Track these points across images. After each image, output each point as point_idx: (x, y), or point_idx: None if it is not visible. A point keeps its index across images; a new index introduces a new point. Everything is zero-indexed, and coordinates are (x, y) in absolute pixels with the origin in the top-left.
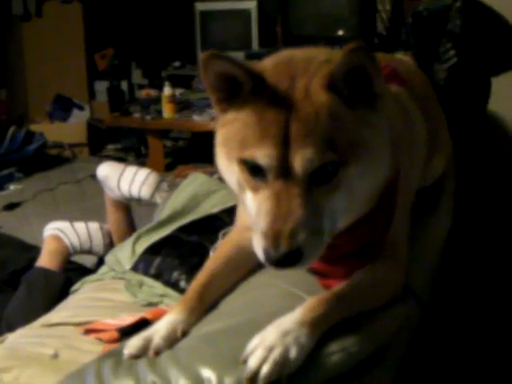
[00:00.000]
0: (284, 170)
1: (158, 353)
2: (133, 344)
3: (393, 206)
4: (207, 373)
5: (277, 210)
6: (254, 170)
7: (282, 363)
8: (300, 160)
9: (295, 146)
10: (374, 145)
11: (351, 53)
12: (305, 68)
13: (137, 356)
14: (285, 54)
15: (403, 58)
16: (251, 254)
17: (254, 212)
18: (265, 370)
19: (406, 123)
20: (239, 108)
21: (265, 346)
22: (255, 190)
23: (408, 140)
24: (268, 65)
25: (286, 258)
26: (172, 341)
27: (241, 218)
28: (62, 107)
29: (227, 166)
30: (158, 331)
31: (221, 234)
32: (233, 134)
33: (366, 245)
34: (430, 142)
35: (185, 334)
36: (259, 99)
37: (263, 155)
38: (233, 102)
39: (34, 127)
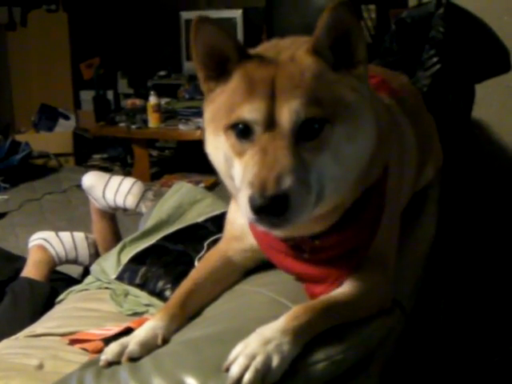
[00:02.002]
0: (271, 124)
1: (132, 358)
2: (109, 350)
3: (381, 207)
4: (190, 380)
5: (263, 161)
6: (241, 133)
7: (264, 371)
8: (286, 112)
9: (281, 99)
10: (359, 108)
11: (335, 8)
12: (290, 45)
13: (113, 362)
14: (271, 40)
15: (399, 74)
16: (237, 265)
17: (241, 175)
18: (246, 377)
19: (396, 134)
20: (226, 82)
21: (246, 354)
22: (242, 154)
23: (398, 151)
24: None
25: (272, 203)
26: (150, 347)
27: (228, 228)
28: (48, 117)
29: (214, 142)
30: (136, 337)
31: (206, 244)
32: (220, 104)
33: (354, 248)
34: (421, 153)
35: (165, 340)
36: (246, 66)
37: (250, 109)
38: (220, 81)
39: (19, 137)
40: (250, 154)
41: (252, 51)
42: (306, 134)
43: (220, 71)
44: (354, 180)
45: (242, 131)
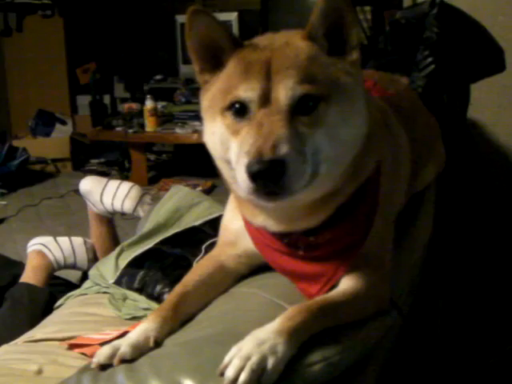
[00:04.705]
0: (266, 102)
1: (123, 361)
2: (101, 352)
3: (375, 204)
4: (188, 382)
5: (259, 133)
6: (237, 112)
7: (259, 371)
8: (282, 89)
9: (277, 78)
10: (353, 91)
11: None
12: (284, 34)
13: (104, 365)
14: (265, 34)
15: (400, 78)
16: (229, 270)
17: (237, 152)
18: (242, 378)
19: (388, 135)
20: (221, 72)
21: (241, 356)
22: (238, 132)
23: (392, 152)
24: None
25: (270, 166)
26: (142, 349)
27: (222, 234)
28: (45, 122)
29: (211, 128)
30: (128, 339)
31: (204, 247)
32: (216, 90)
33: (348, 246)
34: (415, 157)
35: (157, 342)
36: (241, 53)
37: (246, 89)
38: (215, 72)
39: (16, 143)
40: (246, 130)
41: (246, 42)
42: (301, 110)
43: (215, 63)
44: (347, 163)
45: (238, 110)
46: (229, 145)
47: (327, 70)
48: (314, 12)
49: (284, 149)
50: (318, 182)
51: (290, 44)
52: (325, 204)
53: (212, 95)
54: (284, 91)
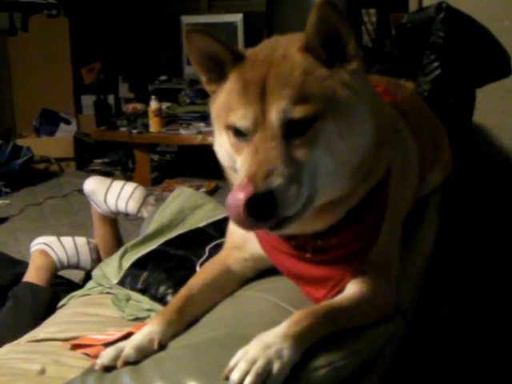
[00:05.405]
0: (262, 125)
1: (127, 363)
2: (105, 354)
3: (383, 209)
4: None
5: (254, 160)
6: (238, 132)
7: (265, 375)
8: (275, 111)
9: (271, 99)
10: (352, 104)
11: (320, 7)
12: (287, 41)
13: (108, 366)
14: (272, 37)
15: (406, 83)
16: (236, 274)
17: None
18: (247, 382)
19: (398, 140)
20: (225, 83)
21: (247, 359)
22: (240, 151)
23: (401, 158)
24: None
25: (260, 199)
26: (146, 351)
27: (229, 237)
28: (49, 121)
29: (219, 140)
30: (132, 341)
31: (207, 249)
32: (220, 105)
33: (356, 250)
34: (422, 162)
35: (161, 345)
36: (240, 67)
37: (241, 116)
38: (221, 83)
39: (20, 142)
40: (245, 152)
41: (249, 50)
42: (296, 131)
43: (220, 74)
44: (348, 174)
45: (238, 131)
46: (234, 158)
47: (324, 84)
48: (307, 24)
49: (276, 181)
50: (319, 197)
51: (286, 57)
52: (333, 208)
53: (218, 107)
54: (277, 113)
